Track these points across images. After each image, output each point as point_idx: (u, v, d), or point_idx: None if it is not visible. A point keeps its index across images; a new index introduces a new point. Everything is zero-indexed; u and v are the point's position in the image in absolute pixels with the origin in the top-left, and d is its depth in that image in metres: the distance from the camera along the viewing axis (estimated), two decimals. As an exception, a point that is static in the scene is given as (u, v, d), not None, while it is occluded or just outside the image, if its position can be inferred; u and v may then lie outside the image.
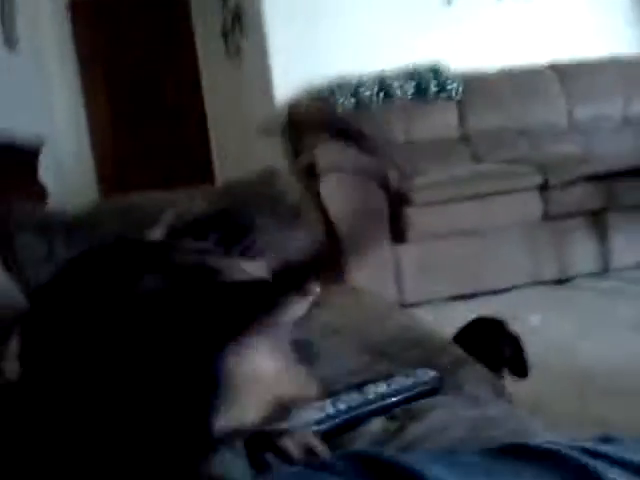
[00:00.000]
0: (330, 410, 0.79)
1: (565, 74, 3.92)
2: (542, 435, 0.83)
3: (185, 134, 5.39)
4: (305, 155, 3.11)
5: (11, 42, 3.51)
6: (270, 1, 3.76)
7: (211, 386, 0.51)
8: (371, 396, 0.83)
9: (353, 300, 1.36)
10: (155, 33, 5.37)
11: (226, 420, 0.52)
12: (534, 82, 3.89)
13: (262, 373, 0.58)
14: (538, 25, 4.12)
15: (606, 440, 0.55)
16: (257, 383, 0.57)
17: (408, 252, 2.93)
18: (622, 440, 0.56)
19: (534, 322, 2.61)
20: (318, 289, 1.18)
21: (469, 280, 3.04)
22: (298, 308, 1.06)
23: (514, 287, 3.07)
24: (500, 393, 1.01)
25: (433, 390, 0.91)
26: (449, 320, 2.75)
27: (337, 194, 2.77)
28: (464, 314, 2.80)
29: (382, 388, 0.86)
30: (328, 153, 2.89)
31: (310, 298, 1.08)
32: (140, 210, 1.44)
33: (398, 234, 2.89)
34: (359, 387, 0.87)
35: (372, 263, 2.87)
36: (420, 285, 2.96)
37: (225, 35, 4.58)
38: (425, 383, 0.89)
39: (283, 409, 0.69)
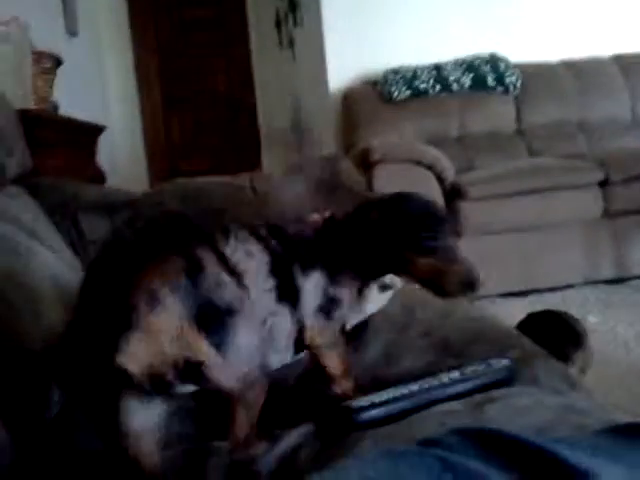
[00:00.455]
0: (398, 392, 0.77)
1: (629, 68, 3.80)
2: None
3: (235, 124, 5.44)
4: (359, 145, 3.09)
5: (72, 30, 3.58)
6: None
7: None
8: (445, 379, 0.80)
9: (415, 295, 1.33)
10: (209, 23, 5.42)
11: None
12: (596, 75, 3.77)
13: None
14: (601, 16, 3.99)
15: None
16: None
17: (463, 247, 2.87)
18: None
19: (591, 322, 2.53)
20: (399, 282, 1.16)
21: (524, 277, 2.97)
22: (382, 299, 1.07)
23: (570, 286, 2.99)
24: (574, 386, 0.97)
25: (509, 379, 0.88)
26: (500, 316, 2.71)
27: (391, 186, 2.73)
28: (518, 311, 2.75)
29: (455, 374, 0.84)
30: (382, 143, 2.86)
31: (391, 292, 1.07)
32: (201, 193, 1.45)
33: (453, 228, 2.84)
34: (430, 374, 0.85)
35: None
36: (473, 280, 2.90)
37: (278, 25, 4.60)
38: (500, 370, 0.86)
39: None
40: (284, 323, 0.82)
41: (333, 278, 0.86)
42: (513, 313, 2.71)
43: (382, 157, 2.76)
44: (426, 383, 0.80)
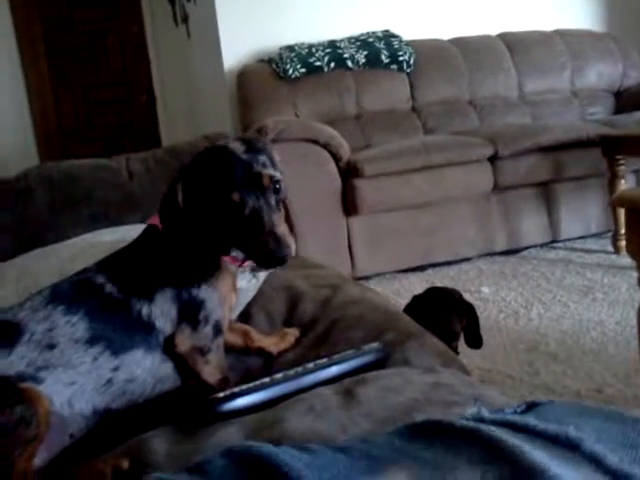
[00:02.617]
0: (261, 382, 0.75)
1: (515, 46, 3.93)
2: (499, 400, 0.81)
3: (132, 103, 5.22)
4: (254, 124, 3.02)
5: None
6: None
7: None
8: (311, 366, 0.78)
9: (303, 273, 1.31)
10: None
11: None
12: (485, 53, 3.88)
13: None
14: (489, -3, 4.10)
15: (533, 406, 0.58)
16: None
17: (360, 224, 2.90)
18: (548, 406, 0.58)
19: (485, 293, 2.62)
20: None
21: (421, 252, 3.03)
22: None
23: (465, 259, 3.09)
24: (449, 362, 0.97)
25: (380, 361, 0.86)
26: (400, 292, 2.76)
27: (286, 165, 2.69)
28: (415, 286, 2.82)
29: (323, 361, 0.82)
30: (277, 121, 2.81)
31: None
32: (70, 177, 1.35)
33: (350, 206, 2.85)
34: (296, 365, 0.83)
35: (324, 235, 2.82)
36: (372, 257, 2.93)
37: (172, 0, 4.43)
38: (370, 353, 0.85)
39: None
40: (136, 369, 0.79)
41: (182, 282, 0.82)
42: (412, 288, 2.78)
43: (277, 136, 2.71)
44: (292, 371, 0.77)
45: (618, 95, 4.02)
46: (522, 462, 0.44)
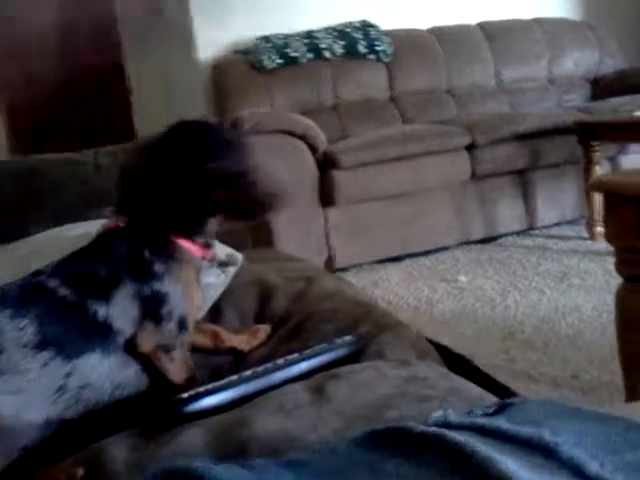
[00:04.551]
0: (228, 380, 0.73)
1: (492, 35, 3.93)
2: (475, 393, 0.80)
3: (105, 95, 5.13)
4: (230, 116, 2.98)
5: None
6: (191, -46, 3.56)
7: None
8: (281, 362, 0.76)
9: (276, 266, 1.29)
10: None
11: None
12: (463, 42, 3.87)
13: None
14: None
15: (505, 406, 0.54)
16: None
17: (337, 215, 2.88)
18: (522, 405, 0.54)
19: (462, 281, 2.62)
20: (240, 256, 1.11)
21: (399, 242, 3.02)
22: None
23: (443, 248, 3.09)
24: (424, 354, 0.96)
25: (354, 355, 0.85)
26: (378, 283, 2.76)
27: (262, 157, 2.66)
28: (393, 276, 2.81)
29: (293, 356, 0.80)
30: (253, 113, 2.77)
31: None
32: (37, 172, 1.32)
33: (327, 197, 2.83)
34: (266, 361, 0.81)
35: (301, 227, 2.80)
36: (349, 249, 2.92)
37: (145, -9, 4.36)
38: (342, 347, 0.83)
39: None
40: (91, 374, 0.76)
41: (142, 275, 0.79)
42: (389, 279, 2.78)
43: (252, 127, 2.68)
44: (261, 368, 0.75)
45: (594, 83, 4.04)
46: (491, 472, 0.40)
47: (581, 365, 1.78)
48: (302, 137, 2.81)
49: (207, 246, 0.87)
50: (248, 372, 0.74)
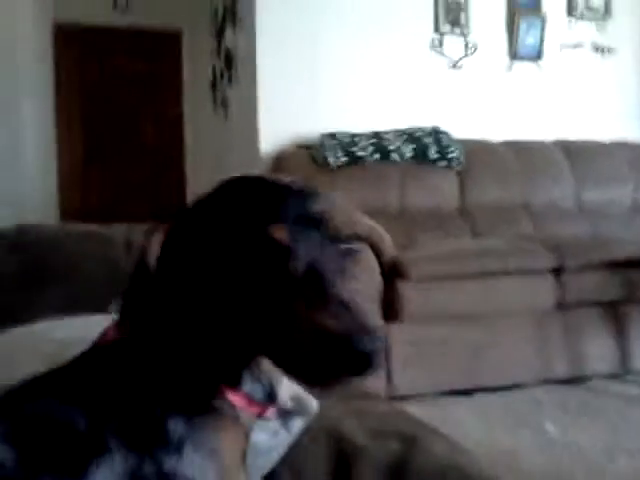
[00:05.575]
0: None
1: (573, 153, 3.65)
2: None
3: (162, 185, 5.05)
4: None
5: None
6: (263, 49, 3.45)
7: None
8: None
9: (354, 406, 0.90)
10: (143, 75, 5.09)
11: None
12: (540, 158, 3.60)
13: None
14: (548, 99, 3.87)
15: None
16: None
17: (399, 333, 2.48)
18: None
19: (551, 431, 2.14)
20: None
21: (468, 372, 2.58)
22: None
23: (519, 385, 2.62)
24: None
25: None
26: (447, 421, 2.29)
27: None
28: (464, 414, 2.35)
29: None
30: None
31: None
32: (41, 243, 0.99)
33: (390, 311, 2.44)
34: None
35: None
36: (411, 374, 2.49)
37: (214, 84, 4.32)
38: None
39: None
40: None
41: (144, 439, 0.41)
42: (460, 417, 2.31)
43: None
44: None
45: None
46: None
47: None
48: (365, 239, 2.48)
49: (264, 396, 0.49)
50: None
